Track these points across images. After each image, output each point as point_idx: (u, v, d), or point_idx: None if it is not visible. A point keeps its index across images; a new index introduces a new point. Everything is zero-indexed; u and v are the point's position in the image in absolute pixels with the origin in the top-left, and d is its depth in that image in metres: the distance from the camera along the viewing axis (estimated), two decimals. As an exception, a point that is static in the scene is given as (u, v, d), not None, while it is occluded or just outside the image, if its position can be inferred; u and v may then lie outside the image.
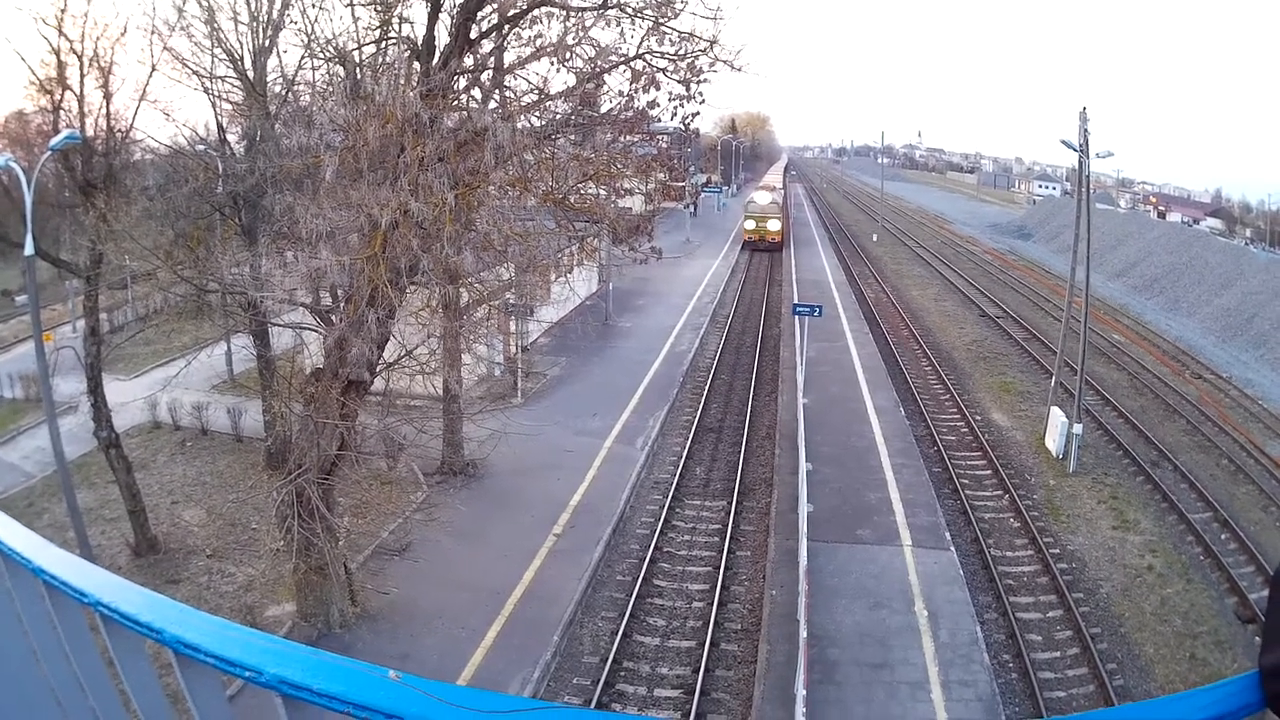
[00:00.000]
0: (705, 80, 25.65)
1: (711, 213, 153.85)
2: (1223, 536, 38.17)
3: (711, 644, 29.59)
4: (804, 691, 23.88)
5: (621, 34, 25.33)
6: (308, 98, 35.51)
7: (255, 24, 39.02)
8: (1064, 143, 47.33)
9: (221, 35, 38.73)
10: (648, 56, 25.31)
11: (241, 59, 38.98)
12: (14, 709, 3.11)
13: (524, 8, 24.96)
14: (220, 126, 41.62)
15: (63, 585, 2.58)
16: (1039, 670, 28.75)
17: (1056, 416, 46.35)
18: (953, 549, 34.74)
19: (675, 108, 25.83)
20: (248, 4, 38.90)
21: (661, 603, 32.42)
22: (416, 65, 25.35)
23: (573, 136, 27.89)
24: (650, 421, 48.55)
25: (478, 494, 39.40)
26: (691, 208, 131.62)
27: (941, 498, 40.03)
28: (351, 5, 27.50)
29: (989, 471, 44.43)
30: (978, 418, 52.26)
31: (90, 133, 33.40)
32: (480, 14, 25.18)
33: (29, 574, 2.69)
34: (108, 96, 34.01)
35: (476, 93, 27.02)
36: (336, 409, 26.07)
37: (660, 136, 36.86)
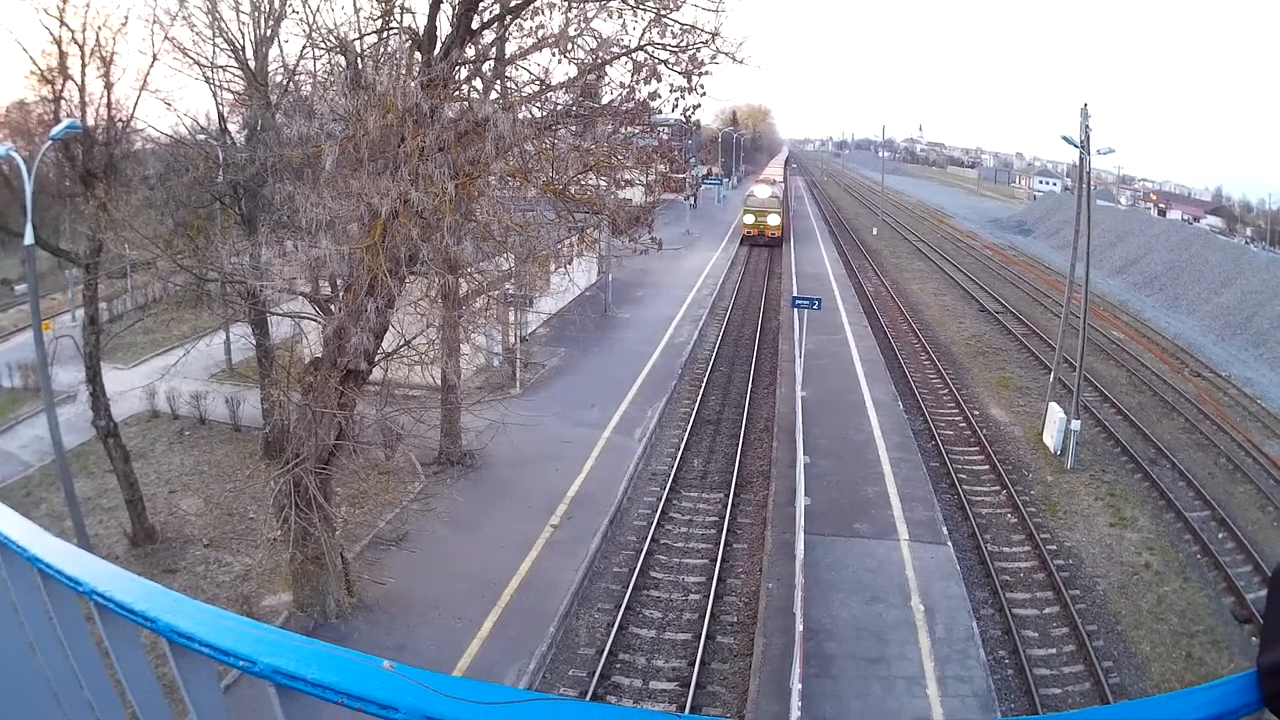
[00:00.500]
0: (706, 72, 25.70)
1: (712, 205, 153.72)
2: (1220, 535, 38.22)
3: (707, 637, 29.59)
4: (800, 685, 23.93)
5: (623, 25, 25.40)
6: (309, 87, 35.57)
7: (257, 14, 39.05)
8: (1065, 139, 47.29)
9: (223, 25, 38.79)
10: (649, 48, 25.34)
11: (243, 49, 39.01)
12: (10, 698, 3.11)
13: (526, -2, 25.00)
14: (221, 116, 41.69)
15: (58, 574, 2.57)
16: (1035, 667, 28.78)
17: (1055, 412, 46.36)
18: (949, 544, 34.75)
19: (676, 99, 25.85)
20: (249, -6, 38.95)
21: (658, 595, 32.43)
22: (418, 55, 25.36)
23: (573, 127, 27.84)
24: (648, 413, 48.60)
25: (475, 484, 39.39)
26: (692, 200, 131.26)
27: (939, 492, 40.07)
28: (353, -5, 27.55)
29: (986, 467, 44.46)
30: (976, 413, 52.29)
31: (91, 122, 33.40)
32: (482, 4, 25.20)
33: (24, 562, 2.68)
34: (109, 86, 34.04)
35: (478, 83, 27.03)
36: (335, 398, 26.08)
37: (661, 128, 36.86)
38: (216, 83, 40.40)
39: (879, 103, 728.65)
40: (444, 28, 25.19)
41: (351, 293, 25.06)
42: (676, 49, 25.40)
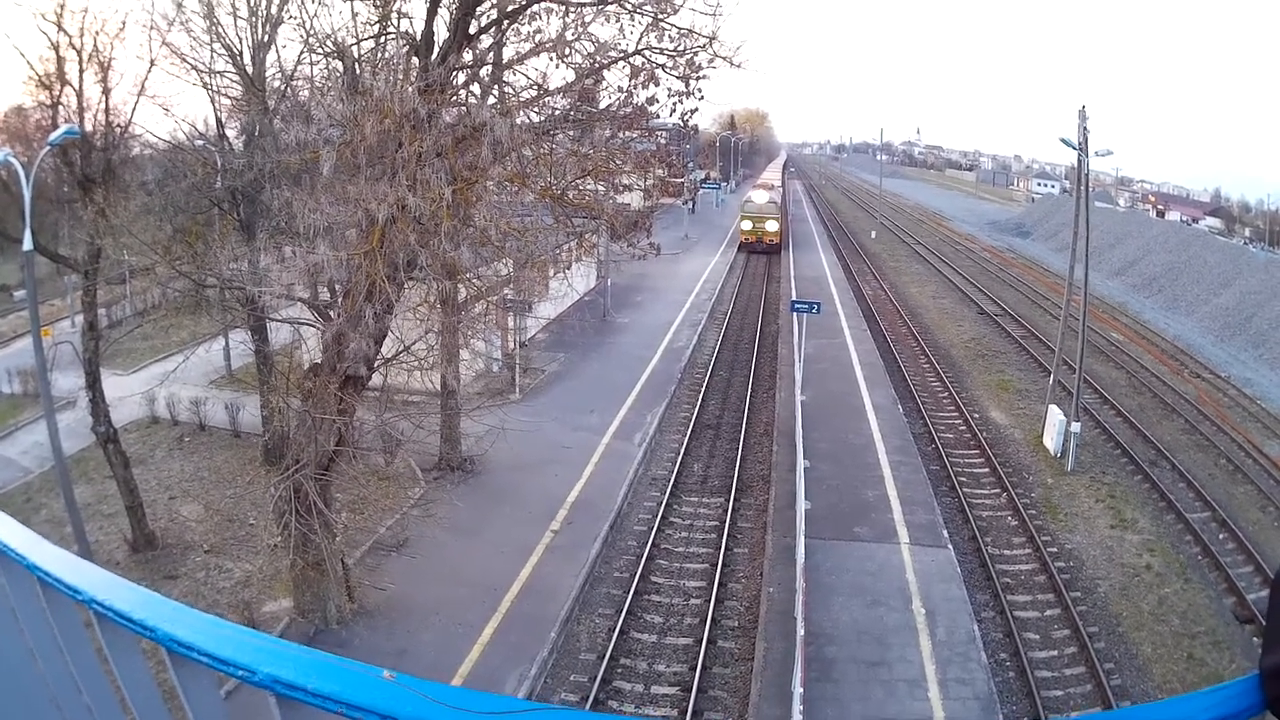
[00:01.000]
0: (704, 76, 25.69)
1: (710, 209, 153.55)
2: (1221, 536, 38.23)
3: (709, 641, 29.60)
4: (801, 689, 23.93)
5: (621, 30, 25.39)
6: (306, 93, 35.56)
7: (254, 19, 39.06)
8: (1063, 141, 47.35)
9: (220, 30, 38.81)
10: (647, 52, 25.35)
11: (240, 54, 39.03)
12: (11, 706, 3.10)
13: (523, 3, 25.03)
14: (219, 121, 41.73)
15: (57, 582, 2.56)
16: (1036, 669, 28.79)
17: (1055, 415, 46.38)
18: (950, 547, 34.77)
19: (674, 104, 25.85)
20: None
21: (659, 599, 32.45)
22: (415, 60, 25.34)
23: (571, 132, 27.88)
24: (648, 418, 48.61)
25: (475, 490, 39.39)
26: (690, 204, 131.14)
27: (939, 495, 40.09)
28: (350, 0, 27.54)
29: (987, 469, 44.49)
30: (975, 415, 52.33)
31: (89, 128, 33.43)
32: (479, 9, 25.21)
33: (24, 570, 2.68)
34: (106, 92, 34.08)
35: (475, 88, 27.05)
36: (334, 404, 26.09)
37: (659, 133, 36.91)
38: (214, 88, 40.44)
39: (877, 106, 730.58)
40: (441, 33, 25.20)
41: (350, 298, 25.07)
42: (674, 53, 25.40)
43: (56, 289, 71.87)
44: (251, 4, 38.96)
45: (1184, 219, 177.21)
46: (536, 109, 26.66)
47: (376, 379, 28.94)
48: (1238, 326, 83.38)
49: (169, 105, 48.12)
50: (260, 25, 39.12)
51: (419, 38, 25.33)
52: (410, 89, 23.67)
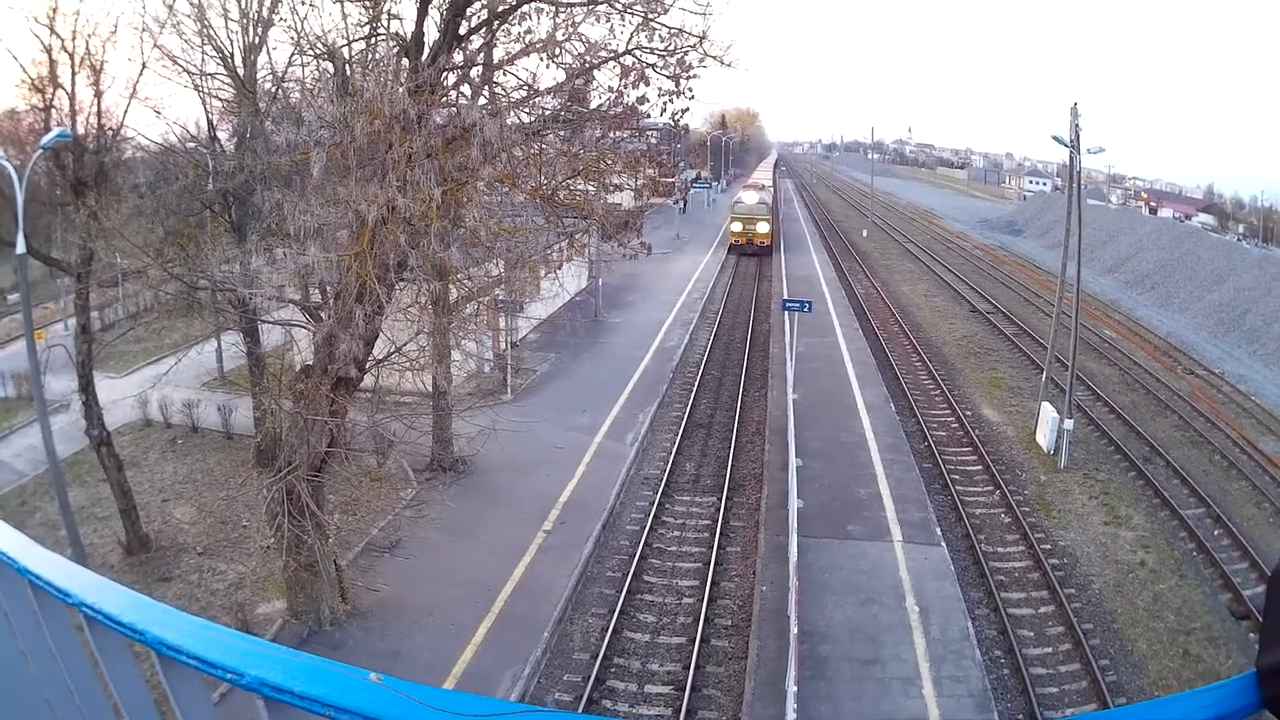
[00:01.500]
0: (695, 76, 25.67)
1: (701, 208, 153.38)
2: (1216, 532, 38.26)
3: (702, 640, 29.61)
4: (795, 688, 23.91)
5: (611, 30, 25.35)
6: (297, 94, 35.53)
7: (245, 21, 39.00)
8: (1055, 138, 47.31)
9: (212, 32, 38.76)
10: (637, 52, 25.32)
11: (231, 56, 39.00)
12: (4, 710, 3.11)
13: (513, 3, 24.97)
14: (210, 124, 41.65)
15: (48, 586, 2.57)
16: (1031, 666, 28.79)
17: (1047, 412, 46.40)
18: (943, 544, 34.82)
19: (665, 103, 25.80)
20: (238, 1, 38.90)
21: (652, 599, 32.44)
22: (405, 61, 25.33)
23: (562, 132, 27.85)
24: (640, 417, 48.61)
25: (467, 490, 39.39)
26: (681, 204, 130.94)
27: (932, 493, 40.17)
28: (341, 1, 27.49)
29: (980, 467, 44.51)
30: (968, 413, 52.37)
31: (81, 131, 33.39)
32: (469, 10, 25.20)
33: (15, 574, 2.69)
34: (98, 94, 34.02)
35: (466, 89, 27.03)
36: (326, 406, 26.07)
37: (650, 132, 36.89)
38: (205, 90, 40.37)
39: (868, 104, 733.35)
40: (432, 33, 25.19)
41: (341, 300, 25.04)
42: (664, 53, 25.38)
43: (50, 292, 71.72)
44: (242, 6, 38.92)
45: (1177, 216, 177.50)
46: (527, 109, 26.61)
47: (368, 380, 28.93)
48: (1231, 323, 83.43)
49: (161, 108, 48.05)
50: (251, 27, 39.08)
51: (409, 38, 25.31)
52: (400, 90, 23.65)
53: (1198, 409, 55.27)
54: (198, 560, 34.56)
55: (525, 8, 25.13)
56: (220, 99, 41.33)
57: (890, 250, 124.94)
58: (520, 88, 26.61)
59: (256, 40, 39.12)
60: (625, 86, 25.49)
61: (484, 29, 25.74)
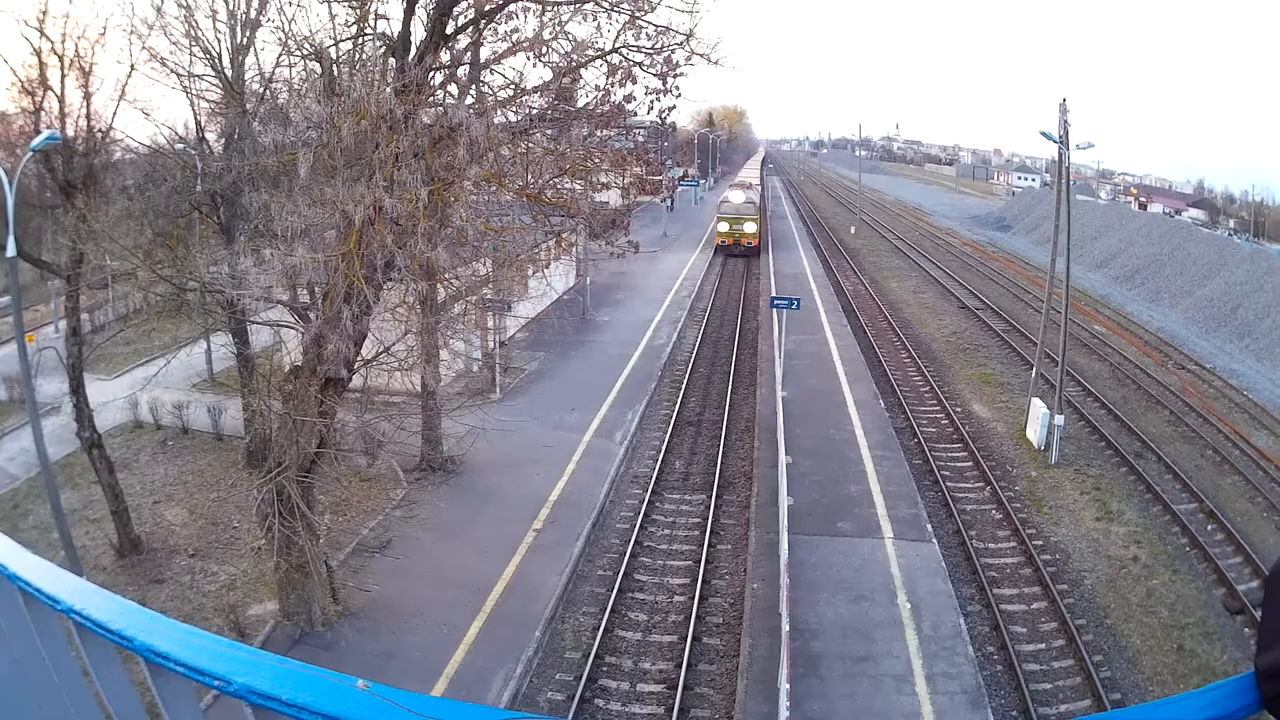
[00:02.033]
0: (682, 74, 25.69)
1: (688, 206, 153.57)
2: (1209, 527, 38.20)
3: (694, 638, 29.61)
4: (787, 685, 23.90)
5: (598, 28, 25.41)
6: (285, 95, 35.52)
7: (233, 21, 38.93)
8: (1044, 134, 47.33)
9: (199, 33, 38.67)
10: (624, 51, 25.36)
11: (219, 57, 38.92)
12: None
13: (500, 2, 24.98)
14: (198, 125, 41.59)
15: (37, 592, 2.57)
16: (1024, 662, 28.76)
17: (1038, 408, 46.43)
18: (934, 541, 34.83)
19: (651, 102, 25.82)
20: (225, 2, 38.85)
21: (643, 597, 32.46)
22: (392, 61, 25.33)
23: (549, 131, 27.88)
24: (629, 415, 48.67)
25: (457, 490, 39.42)
26: (668, 202, 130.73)
27: (922, 490, 40.16)
28: (328, 2, 27.48)
29: (970, 463, 44.51)
30: (958, 409, 52.36)
31: (71, 133, 33.40)
32: (456, 9, 25.21)
33: (5, 580, 2.68)
34: (88, 96, 34.01)
35: (453, 88, 27.04)
36: (315, 406, 26.06)
37: (636, 131, 36.90)
38: (193, 91, 40.31)
39: (855, 101, 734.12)
40: (418, 33, 25.20)
41: (329, 300, 25.04)
42: (651, 51, 25.40)
43: (41, 294, 71.71)
44: (230, 7, 38.85)
45: (1167, 211, 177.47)
46: (514, 108, 26.62)
47: (357, 380, 28.93)
48: (1223, 318, 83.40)
49: (149, 109, 48.29)
50: (239, 28, 39.02)
51: (396, 38, 25.32)
52: (387, 90, 23.66)
53: (1189, 404, 55.31)
54: (189, 562, 34.55)
55: (512, 7, 25.15)
56: (208, 100, 41.30)
57: (879, 247, 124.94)
58: (507, 87, 26.65)
59: (244, 41, 39.07)
60: (612, 85, 25.52)
61: (471, 28, 25.76)
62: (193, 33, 38.50)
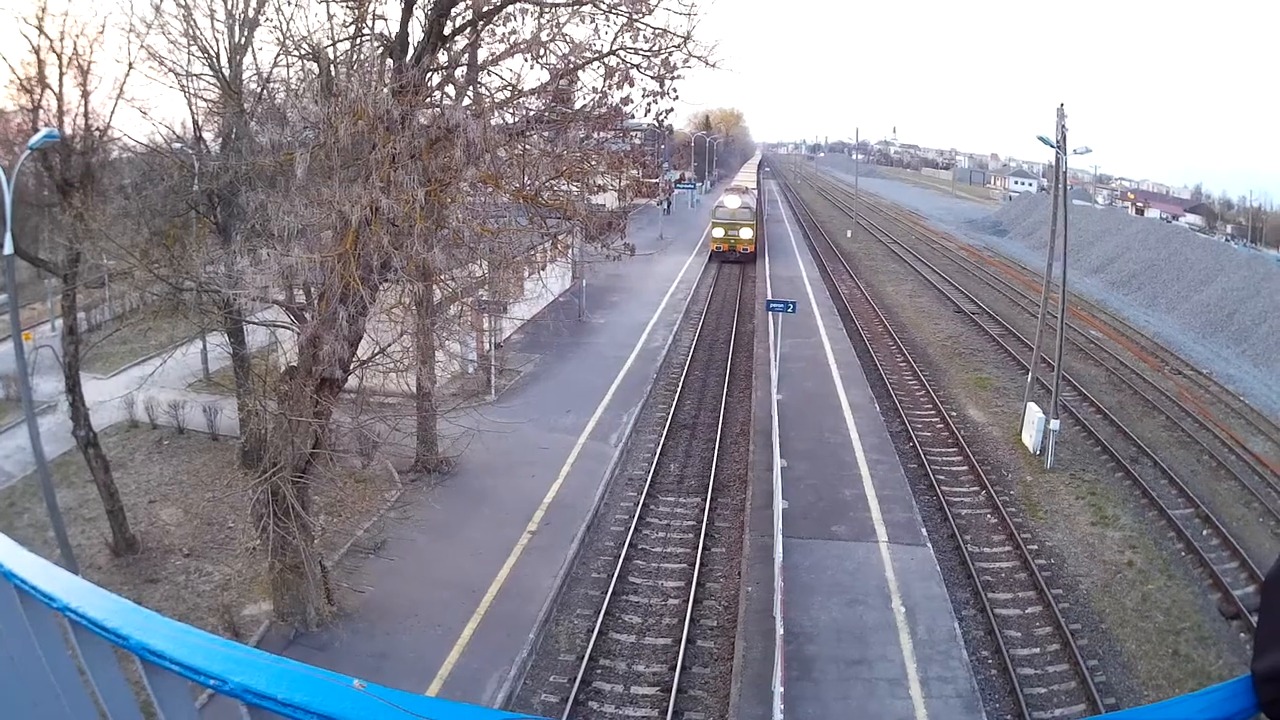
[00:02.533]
0: (679, 76, 25.60)
1: (685, 209, 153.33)
2: (1204, 533, 38.24)
3: (688, 641, 29.65)
4: (781, 688, 23.92)
5: (595, 30, 25.32)
6: (282, 95, 35.51)
7: (231, 21, 38.96)
8: (1041, 139, 47.41)
9: (197, 32, 38.68)
10: (621, 53, 25.28)
11: (217, 56, 38.94)
12: None
13: (498, 4, 24.94)
14: (196, 124, 41.56)
15: (33, 590, 2.56)
16: (1019, 666, 28.78)
17: (1033, 412, 46.46)
18: (929, 545, 34.86)
19: (649, 104, 25.76)
20: (223, 1, 38.86)
21: (637, 600, 32.47)
22: (390, 62, 25.31)
23: (546, 133, 27.85)
24: (624, 418, 48.68)
25: (452, 491, 39.44)
26: (665, 205, 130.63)
27: (917, 494, 40.20)
28: (326, 2, 27.50)
29: (965, 467, 44.53)
30: (953, 414, 52.41)
31: (68, 131, 33.40)
32: (454, 10, 25.16)
33: (1, 579, 2.68)
34: (86, 95, 34.02)
35: (450, 89, 27.03)
36: (310, 407, 26.04)
37: (633, 133, 36.91)
38: (191, 91, 40.30)
39: (853, 105, 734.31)
40: (416, 34, 25.14)
41: (325, 301, 25.03)
42: (649, 53, 25.34)
43: (37, 293, 71.69)
44: (228, 6, 38.88)
45: (1164, 216, 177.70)
46: (511, 110, 26.60)
47: (352, 381, 28.88)
48: (1219, 323, 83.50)
49: (147, 108, 48.13)
50: (237, 27, 39.05)
51: (394, 39, 25.27)
52: (385, 90, 23.63)
53: (1185, 409, 55.34)
54: (184, 562, 34.56)
55: (510, 8, 25.08)
56: (206, 99, 41.29)
57: (875, 251, 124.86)
58: (504, 88, 26.60)
59: (242, 41, 39.09)
60: (609, 87, 25.47)
61: (468, 29, 25.71)
62: (191, 32, 38.54)
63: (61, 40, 32.83)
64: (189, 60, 39.43)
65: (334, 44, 27.30)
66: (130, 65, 35.25)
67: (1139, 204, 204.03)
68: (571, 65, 25.43)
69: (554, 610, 31.22)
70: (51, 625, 2.72)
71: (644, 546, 36.11)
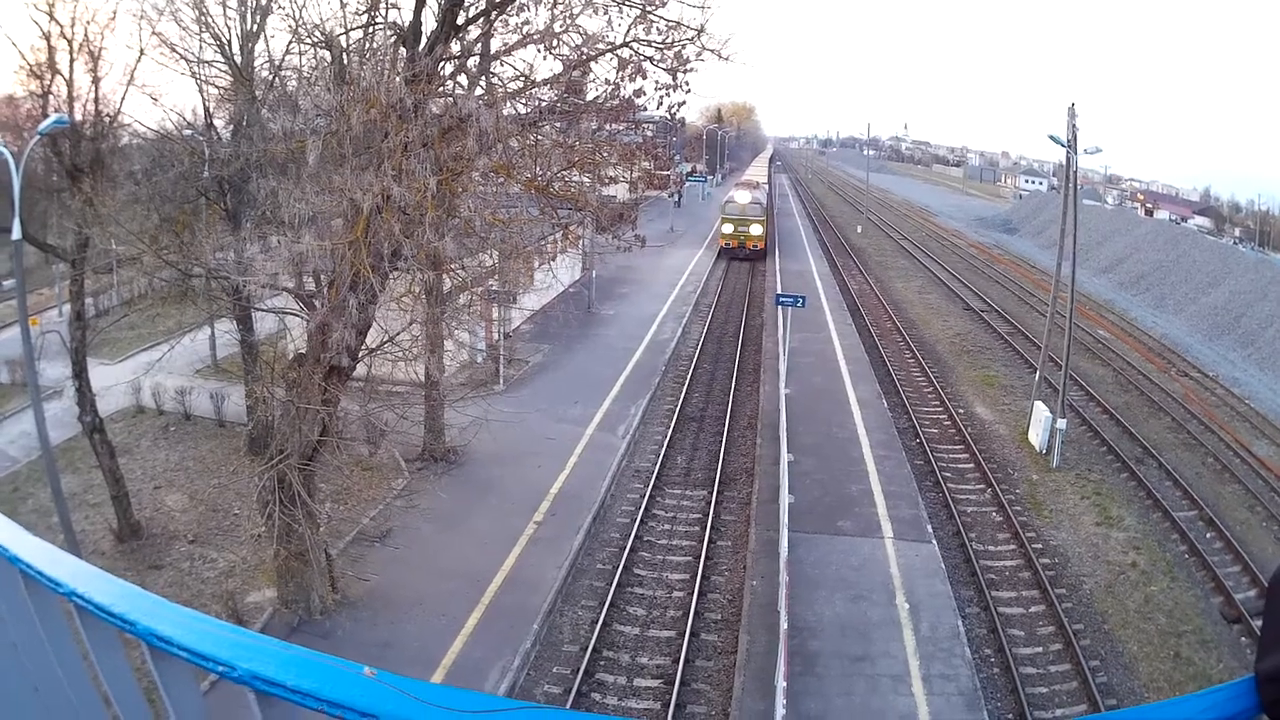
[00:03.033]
0: (692, 69, 25.59)
1: (696, 202, 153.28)
2: (1208, 535, 38.17)
3: (692, 634, 29.65)
4: (784, 683, 23.93)
5: (609, 22, 25.31)
6: (294, 83, 35.50)
7: (243, 8, 38.99)
8: (1052, 138, 47.27)
9: (209, 20, 38.68)
10: (635, 45, 25.27)
11: (229, 44, 38.96)
12: None
13: (511, -7, 24.95)
14: (207, 111, 41.58)
15: (39, 575, 2.55)
16: (1021, 665, 28.76)
17: (1040, 411, 46.38)
18: (934, 542, 34.76)
19: (661, 96, 25.74)
20: (236, -12, 38.88)
21: (642, 592, 32.43)
22: (403, 50, 25.28)
23: (558, 124, 27.82)
24: (632, 410, 48.68)
25: (459, 481, 39.45)
26: (676, 196, 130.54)
27: (923, 490, 40.09)
28: (339, -11, 27.49)
29: (971, 465, 44.49)
30: (960, 411, 52.34)
31: (79, 117, 33.45)
32: (467, 0, 25.16)
33: (6, 563, 2.67)
34: (96, 81, 34.11)
35: (462, 79, 26.99)
36: (318, 394, 26.05)
37: (645, 125, 36.90)
38: (202, 78, 40.31)
39: (865, 100, 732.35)
40: (429, 23, 25.13)
41: (334, 288, 25.03)
42: (662, 46, 25.33)
43: (45, 278, 71.79)
44: (241, -7, 38.94)
45: (1173, 218, 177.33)
46: (523, 100, 26.59)
47: (360, 369, 28.87)
48: (1226, 326, 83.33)
49: (157, 95, 48.25)
50: (249, 15, 39.07)
51: (407, 28, 25.25)
52: (397, 79, 23.62)
53: (1191, 411, 55.27)
54: (189, 548, 34.58)
55: (523, -2, 25.10)
56: (217, 86, 41.31)
57: (885, 247, 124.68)
58: (517, 79, 26.60)
59: (254, 28, 39.12)
60: (622, 79, 25.47)
61: (482, 19, 25.71)
62: (203, 19, 38.56)
63: (72, 26, 32.91)
64: (201, 47, 39.49)
65: (347, 32, 27.24)
66: (141, 52, 35.38)
67: (1148, 205, 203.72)
68: (584, 56, 25.42)
69: (558, 601, 31.21)
70: (56, 610, 2.71)
71: (649, 539, 36.07)
